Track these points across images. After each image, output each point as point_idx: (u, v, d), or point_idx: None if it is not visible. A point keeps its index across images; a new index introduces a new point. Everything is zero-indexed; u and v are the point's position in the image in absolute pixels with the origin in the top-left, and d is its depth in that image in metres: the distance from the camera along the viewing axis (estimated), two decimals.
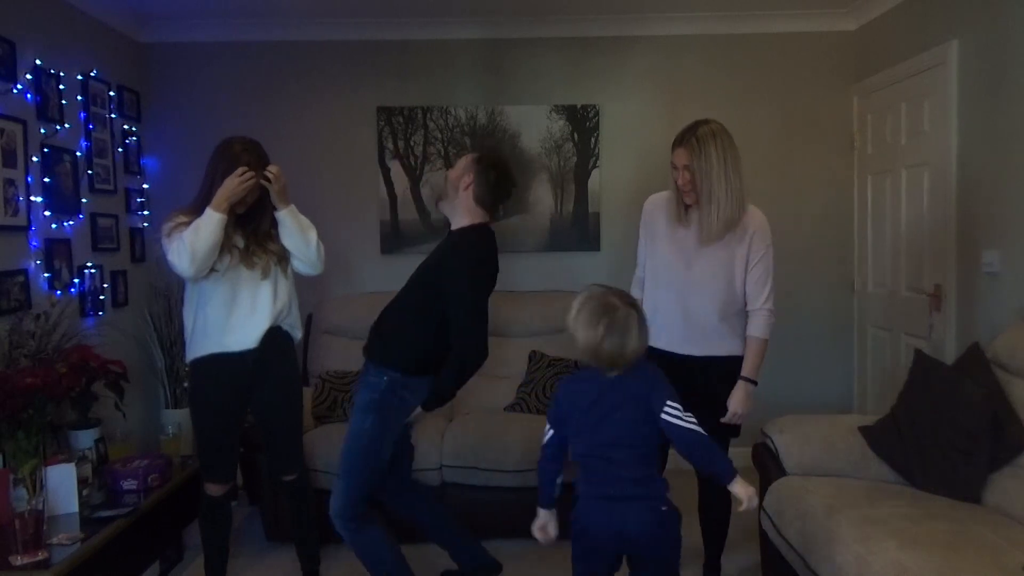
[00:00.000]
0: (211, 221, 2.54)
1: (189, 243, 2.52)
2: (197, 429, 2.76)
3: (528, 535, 3.49)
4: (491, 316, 4.15)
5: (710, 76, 4.29)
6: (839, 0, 4.06)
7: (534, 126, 4.29)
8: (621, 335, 1.95)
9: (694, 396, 2.31)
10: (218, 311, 2.67)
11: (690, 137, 2.53)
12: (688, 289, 2.61)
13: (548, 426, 2.15)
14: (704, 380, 2.59)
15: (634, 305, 2.01)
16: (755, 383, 2.61)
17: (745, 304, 2.62)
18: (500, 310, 4.04)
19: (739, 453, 3.52)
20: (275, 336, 2.74)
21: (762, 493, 2.79)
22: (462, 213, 2.54)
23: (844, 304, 4.34)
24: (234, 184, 2.55)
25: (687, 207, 2.63)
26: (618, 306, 1.98)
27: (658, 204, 2.75)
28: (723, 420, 2.58)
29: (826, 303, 4.34)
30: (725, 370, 2.61)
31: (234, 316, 2.68)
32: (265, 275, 2.69)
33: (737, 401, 2.59)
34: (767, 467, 2.79)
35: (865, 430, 2.71)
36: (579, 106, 4.28)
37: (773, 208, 4.28)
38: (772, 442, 2.79)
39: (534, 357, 3.88)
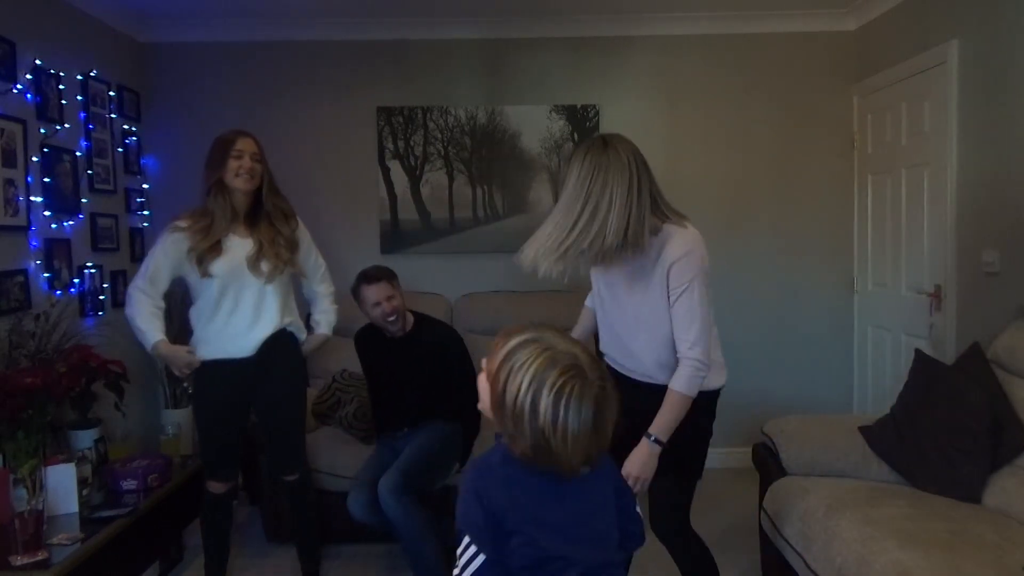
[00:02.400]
0: (143, 340, 2.67)
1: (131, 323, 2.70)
2: (200, 428, 2.78)
3: None
4: (492, 316, 4.19)
5: (710, 76, 4.29)
6: (839, 0, 4.06)
7: (534, 126, 4.29)
8: (600, 412, 1.24)
9: (635, 420, 2.01)
10: (222, 319, 2.68)
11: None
12: (622, 330, 2.19)
13: (470, 547, 1.28)
14: (643, 406, 2.07)
15: (601, 366, 1.30)
16: (661, 444, 2.03)
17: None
18: (500, 310, 4.04)
19: (739, 453, 3.53)
20: (279, 336, 2.75)
21: (762, 493, 2.80)
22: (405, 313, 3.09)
23: (844, 304, 4.34)
24: (176, 366, 2.69)
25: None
26: (585, 369, 1.25)
27: None
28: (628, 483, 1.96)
29: (826, 303, 4.34)
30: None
31: (238, 324, 2.68)
32: (269, 280, 2.68)
33: (634, 463, 2.02)
34: (767, 467, 2.79)
35: (865, 430, 2.71)
36: (579, 106, 4.28)
37: (773, 208, 4.34)
38: (772, 442, 2.79)
39: None
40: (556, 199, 4.56)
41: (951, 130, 3.31)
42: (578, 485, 1.31)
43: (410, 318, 3.12)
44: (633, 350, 2.16)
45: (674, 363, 2.07)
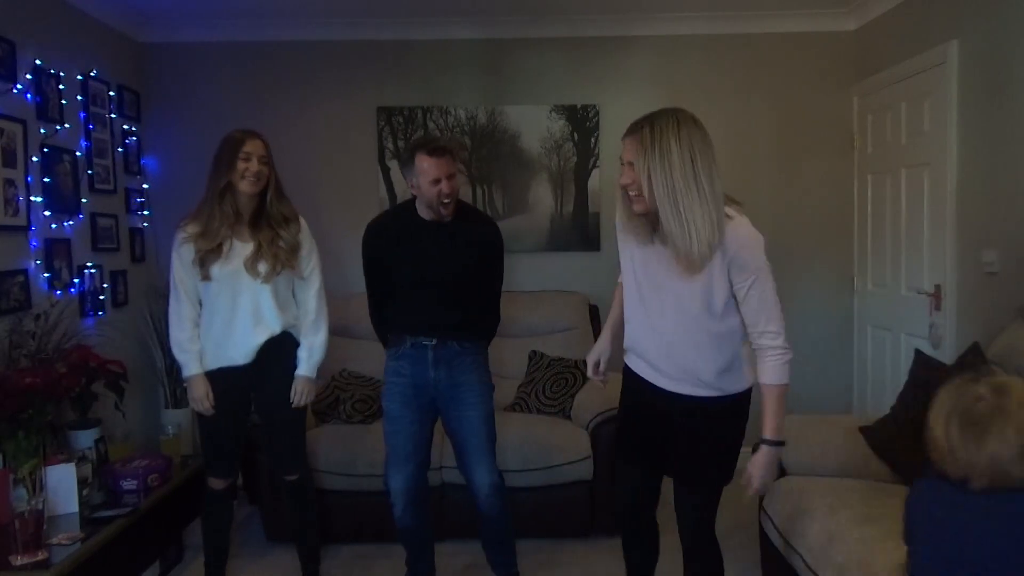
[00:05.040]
0: (182, 368, 2.74)
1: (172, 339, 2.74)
2: (200, 427, 2.80)
3: (528, 535, 3.49)
4: None
5: (710, 76, 4.29)
6: (839, 0, 4.06)
7: (534, 126, 4.29)
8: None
9: (677, 431, 2.08)
10: (222, 324, 2.68)
11: (644, 125, 1.90)
12: (663, 325, 2.05)
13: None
14: (687, 415, 2.08)
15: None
16: (780, 444, 2.04)
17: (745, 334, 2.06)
18: (501, 310, 4.03)
19: (739, 454, 3.53)
20: (278, 338, 2.74)
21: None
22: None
23: (844, 304, 4.34)
24: (192, 398, 2.72)
25: (654, 224, 1.99)
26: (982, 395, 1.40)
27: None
28: (748, 492, 2.09)
29: (826, 303, 4.34)
30: (713, 412, 2.08)
31: (237, 328, 2.68)
32: (266, 281, 2.67)
33: (757, 465, 2.04)
34: None
35: (865, 430, 2.71)
36: (579, 106, 4.28)
37: (773, 208, 4.34)
38: None
39: (534, 357, 3.88)
40: (555, 199, 4.56)
41: (951, 130, 3.31)
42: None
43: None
44: (667, 340, 2.04)
45: (717, 369, 2.03)
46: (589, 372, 2.33)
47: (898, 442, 2.60)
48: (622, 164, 1.96)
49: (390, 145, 4.29)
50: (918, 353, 2.80)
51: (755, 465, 2.03)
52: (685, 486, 2.15)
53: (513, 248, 4.32)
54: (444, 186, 2.52)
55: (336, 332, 4.02)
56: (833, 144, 4.30)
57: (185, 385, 2.78)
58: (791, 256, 4.33)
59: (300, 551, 2.96)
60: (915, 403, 2.63)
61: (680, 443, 2.10)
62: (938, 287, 3.43)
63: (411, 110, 4.27)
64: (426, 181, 2.51)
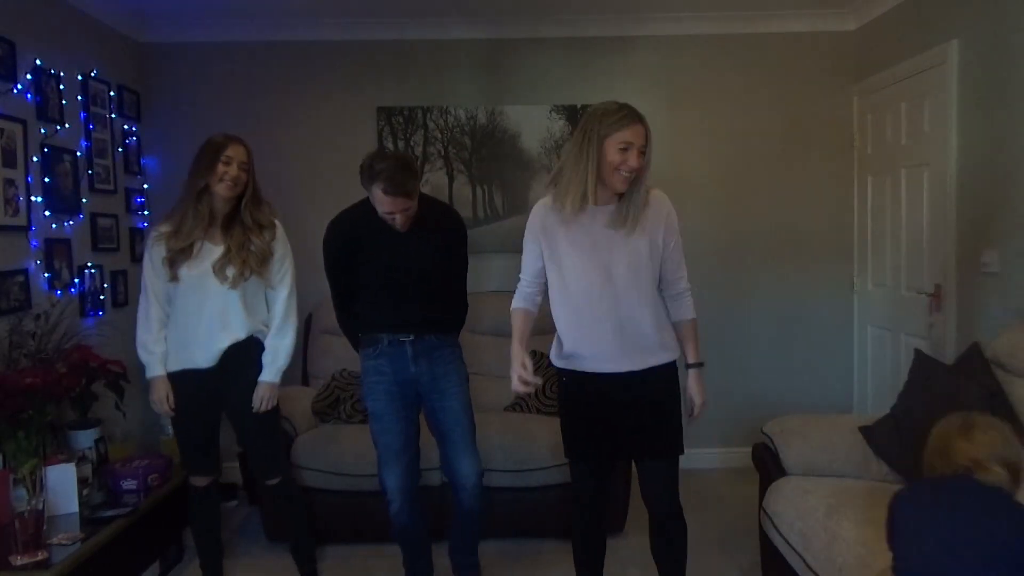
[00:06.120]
0: (145, 369, 2.72)
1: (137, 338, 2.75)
2: (175, 430, 2.81)
3: (526, 535, 3.49)
4: (491, 316, 4.11)
5: (710, 76, 4.29)
6: (839, 0, 4.06)
7: (534, 126, 4.29)
8: None
9: (636, 410, 2.29)
10: (188, 325, 2.67)
11: (639, 114, 2.21)
12: (613, 297, 2.27)
13: None
14: (644, 392, 2.31)
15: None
16: (702, 364, 2.39)
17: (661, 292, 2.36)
18: (500, 310, 4.03)
19: (739, 453, 3.54)
20: (245, 343, 2.72)
21: (762, 493, 2.80)
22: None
23: (844, 304, 4.34)
24: (152, 400, 2.72)
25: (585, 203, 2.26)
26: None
27: (548, 208, 2.34)
28: (692, 416, 2.37)
29: (826, 303, 4.34)
30: (664, 377, 2.33)
31: (203, 330, 2.66)
32: (233, 286, 2.65)
33: (698, 390, 2.36)
34: (767, 467, 2.79)
35: (865, 430, 2.71)
36: (579, 106, 4.28)
37: (773, 208, 4.34)
38: (772, 442, 2.79)
39: (534, 357, 3.85)
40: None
41: (951, 130, 3.31)
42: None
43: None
44: (623, 318, 2.28)
45: (656, 321, 2.31)
46: (526, 376, 2.36)
47: (898, 442, 2.60)
48: (627, 148, 2.16)
49: (390, 145, 4.28)
50: (918, 353, 2.80)
51: (693, 388, 2.36)
52: (655, 458, 2.33)
53: (513, 248, 4.31)
54: (398, 219, 2.56)
55: (336, 332, 4.02)
56: (833, 144, 4.30)
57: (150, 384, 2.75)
58: (791, 256, 4.34)
59: (294, 553, 2.95)
60: (915, 403, 2.63)
61: (642, 418, 2.30)
62: (938, 287, 3.44)
63: (411, 110, 4.27)
64: (380, 209, 2.56)
